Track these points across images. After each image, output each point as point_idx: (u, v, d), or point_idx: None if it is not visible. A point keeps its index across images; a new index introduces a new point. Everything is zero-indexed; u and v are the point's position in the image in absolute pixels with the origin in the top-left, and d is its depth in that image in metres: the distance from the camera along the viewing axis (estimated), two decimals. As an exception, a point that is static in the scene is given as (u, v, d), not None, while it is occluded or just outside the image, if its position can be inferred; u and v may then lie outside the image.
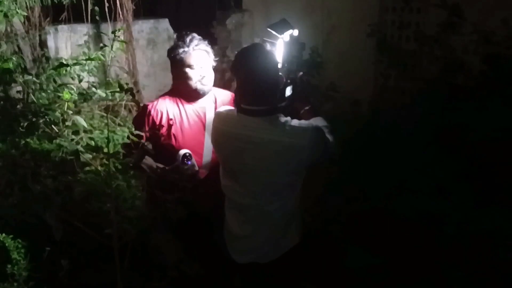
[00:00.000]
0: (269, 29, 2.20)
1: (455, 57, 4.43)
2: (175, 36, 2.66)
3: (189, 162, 2.50)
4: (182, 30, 2.67)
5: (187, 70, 2.55)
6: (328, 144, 2.21)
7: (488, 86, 3.95)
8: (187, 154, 2.50)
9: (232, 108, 2.27)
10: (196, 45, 2.57)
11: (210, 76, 2.61)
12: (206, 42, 2.64)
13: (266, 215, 2.24)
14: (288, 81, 2.29)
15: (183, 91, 2.62)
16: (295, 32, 2.24)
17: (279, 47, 2.19)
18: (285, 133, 2.09)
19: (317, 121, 2.28)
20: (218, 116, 2.32)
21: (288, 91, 2.29)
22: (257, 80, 2.10)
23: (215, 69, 2.67)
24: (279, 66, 2.20)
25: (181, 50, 2.54)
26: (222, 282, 2.68)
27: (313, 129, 2.12)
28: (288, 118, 2.14)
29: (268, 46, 2.16)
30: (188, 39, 2.56)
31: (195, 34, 2.60)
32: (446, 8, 4.45)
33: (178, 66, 2.57)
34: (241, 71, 2.15)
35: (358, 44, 5.32)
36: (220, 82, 5.66)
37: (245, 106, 2.14)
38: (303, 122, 2.15)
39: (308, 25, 2.32)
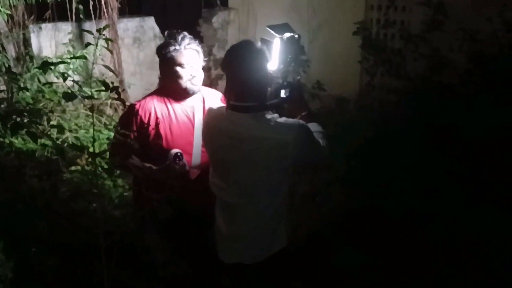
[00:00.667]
0: (268, 28, 2.19)
1: (440, 55, 4.47)
2: (165, 33, 2.61)
3: (180, 162, 2.50)
4: (169, 28, 2.65)
5: (178, 68, 2.53)
6: (318, 147, 2.20)
7: (474, 84, 3.99)
8: (179, 154, 2.48)
9: (224, 105, 2.27)
10: (187, 44, 2.55)
11: (200, 76, 2.60)
12: (197, 41, 2.63)
13: (253, 214, 2.22)
14: (285, 83, 2.29)
15: (172, 90, 2.60)
16: (296, 36, 2.22)
17: (276, 47, 2.19)
18: (269, 129, 2.08)
19: (313, 127, 2.27)
20: (209, 112, 2.33)
21: (283, 94, 2.28)
22: (245, 76, 2.10)
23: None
24: (276, 67, 2.20)
25: (172, 48, 2.53)
26: (211, 282, 2.67)
27: (298, 126, 2.11)
28: (275, 115, 2.14)
29: (259, 44, 2.16)
30: (179, 38, 2.54)
31: (186, 33, 2.59)
32: (430, 6, 4.49)
33: (168, 64, 2.55)
34: (230, 67, 2.15)
35: (344, 42, 5.34)
36: (207, 80, 5.65)
37: (233, 102, 2.14)
38: (290, 120, 2.15)
39: (294, 23, 2.30)
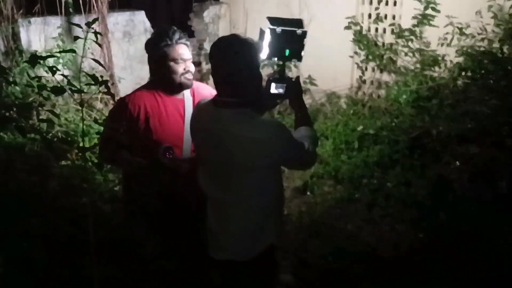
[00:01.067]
0: (267, 18, 2.16)
1: (431, 49, 4.50)
2: (155, 29, 2.59)
3: (170, 156, 2.48)
4: (159, 22, 2.63)
5: (171, 64, 2.51)
6: (298, 148, 2.14)
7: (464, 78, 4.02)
8: (169, 148, 2.48)
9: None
10: (179, 39, 2.54)
11: (192, 70, 2.60)
12: (187, 35, 2.61)
13: (239, 211, 2.18)
14: (277, 77, 2.23)
15: (165, 85, 2.57)
16: (299, 32, 2.15)
17: (266, 37, 2.15)
18: (247, 127, 2.04)
19: (302, 131, 2.22)
20: (197, 105, 2.31)
21: (274, 88, 2.22)
22: (227, 70, 2.06)
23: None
24: (264, 57, 2.16)
25: (164, 44, 2.50)
26: (202, 277, 2.67)
27: (275, 125, 2.07)
28: (254, 113, 2.08)
29: (250, 39, 2.10)
30: (170, 32, 2.52)
31: (175, 28, 2.57)
32: (421, 1, 4.50)
33: (161, 60, 2.52)
34: (213, 61, 2.10)
35: (335, 36, 5.35)
36: (197, 74, 5.64)
37: (216, 96, 2.13)
38: (269, 119, 2.11)
39: (285, 16, 2.27)
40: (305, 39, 2.17)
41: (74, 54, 2.91)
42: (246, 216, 2.19)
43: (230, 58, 2.05)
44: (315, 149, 2.21)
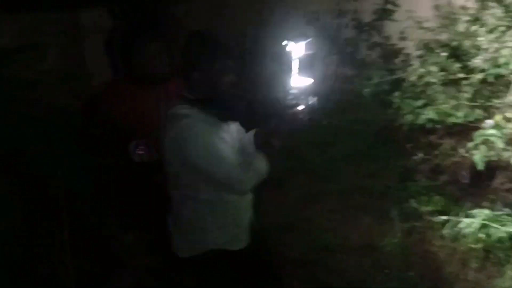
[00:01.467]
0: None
1: (392, 43, 4.60)
2: (127, 23, 2.57)
3: (141, 152, 2.47)
4: (132, 17, 2.62)
5: (153, 57, 2.50)
6: (218, 163, 1.96)
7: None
8: (141, 143, 2.47)
9: None
10: (154, 32, 2.57)
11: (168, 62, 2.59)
12: (160, 29, 2.60)
13: (181, 208, 2.15)
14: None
15: (143, 79, 2.55)
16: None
17: None
18: (171, 123, 2.00)
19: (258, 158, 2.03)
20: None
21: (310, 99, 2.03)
22: (183, 62, 2.03)
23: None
24: None
25: (142, 38, 2.51)
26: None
27: (189, 128, 1.96)
28: (184, 112, 1.98)
29: (218, 37, 2.03)
30: (145, 26, 2.52)
31: (148, 22, 2.55)
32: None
33: (141, 53, 2.51)
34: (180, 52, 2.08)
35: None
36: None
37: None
38: (191, 121, 1.97)
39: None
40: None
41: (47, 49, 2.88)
42: (187, 215, 2.15)
43: (191, 51, 2.03)
44: (244, 174, 1.99)
